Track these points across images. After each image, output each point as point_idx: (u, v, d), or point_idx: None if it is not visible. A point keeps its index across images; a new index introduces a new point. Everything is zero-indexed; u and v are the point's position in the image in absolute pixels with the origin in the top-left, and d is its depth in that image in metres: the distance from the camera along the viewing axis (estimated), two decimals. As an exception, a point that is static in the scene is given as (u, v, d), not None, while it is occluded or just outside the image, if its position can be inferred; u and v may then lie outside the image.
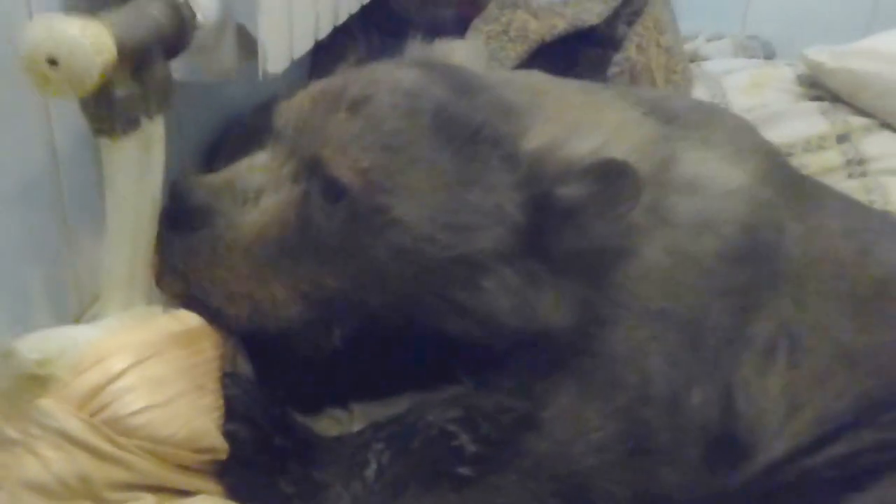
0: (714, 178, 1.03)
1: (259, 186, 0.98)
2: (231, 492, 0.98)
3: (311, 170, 0.96)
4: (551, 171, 0.94)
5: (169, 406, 0.94)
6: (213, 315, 1.00)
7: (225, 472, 0.98)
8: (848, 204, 1.20)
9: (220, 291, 1.00)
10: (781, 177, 1.12)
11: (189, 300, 1.02)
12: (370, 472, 0.97)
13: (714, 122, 1.15)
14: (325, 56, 1.87)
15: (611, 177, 0.92)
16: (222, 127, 1.54)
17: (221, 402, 1.01)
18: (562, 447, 0.96)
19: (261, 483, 0.99)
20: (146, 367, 0.94)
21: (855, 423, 1.00)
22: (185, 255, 1.00)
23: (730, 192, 1.03)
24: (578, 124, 0.99)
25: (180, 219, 0.99)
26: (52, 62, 0.80)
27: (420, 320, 0.97)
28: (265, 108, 1.55)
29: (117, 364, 0.92)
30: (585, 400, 0.97)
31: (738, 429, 0.99)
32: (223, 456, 0.99)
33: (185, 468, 0.96)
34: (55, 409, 0.89)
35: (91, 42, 0.82)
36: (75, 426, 0.88)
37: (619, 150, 0.95)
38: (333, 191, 0.93)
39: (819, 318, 1.02)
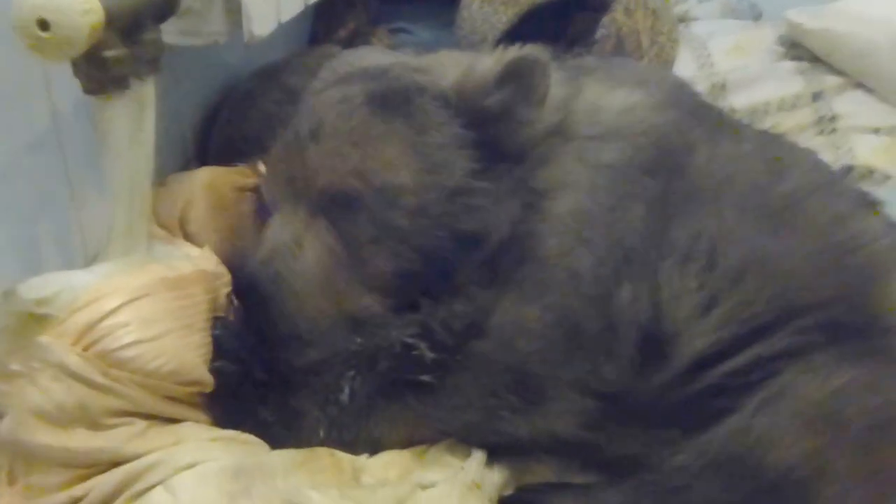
0: (615, 98, 1.19)
1: (294, 239, 1.12)
2: (217, 421, 1.10)
3: (321, 202, 1.11)
4: (474, 92, 1.12)
5: (157, 341, 1.02)
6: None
7: (211, 403, 1.10)
8: (766, 136, 1.31)
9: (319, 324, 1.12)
10: (691, 105, 1.25)
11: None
12: (344, 396, 1.12)
13: (623, 65, 1.32)
14: (324, 22, 1.94)
15: (523, 70, 1.10)
16: (220, 91, 1.59)
17: (209, 341, 1.10)
18: (507, 344, 1.11)
19: (244, 412, 1.11)
20: (137, 306, 1.02)
21: (772, 327, 1.09)
22: (277, 320, 1.11)
23: (630, 108, 1.18)
24: (476, 60, 1.16)
25: (255, 299, 1.11)
26: (44, 25, 0.86)
27: (443, 263, 1.12)
28: (263, 73, 1.62)
29: (110, 303, 1.00)
30: (523, 301, 1.11)
31: (663, 322, 1.11)
32: (208, 389, 1.08)
33: (173, 399, 1.05)
34: (54, 344, 0.97)
35: (80, 4, 0.87)
36: (72, 360, 0.97)
37: None
38: (347, 202, 1.10)
39: (734, 226, 1.12)
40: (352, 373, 1.12)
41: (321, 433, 1.11)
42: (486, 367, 1.11)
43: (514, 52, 1.11)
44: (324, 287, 1.11)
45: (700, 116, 1.22)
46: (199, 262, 1.18)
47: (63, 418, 0.97)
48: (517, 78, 1.10)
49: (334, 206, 1.10)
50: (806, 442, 1.01)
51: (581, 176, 1.13)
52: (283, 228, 1.12)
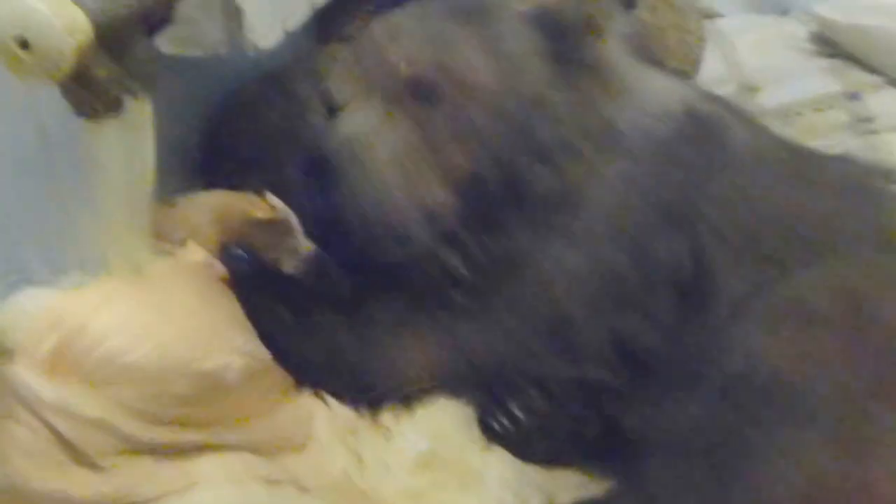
0: (669, 81, 1.22)
1: (371, 128, 1.13)
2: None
3: (398, 93, 1.12)
4: (551, 9, 1.14)
5: (141, 345, 0.95)
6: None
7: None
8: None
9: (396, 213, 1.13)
10: (722, 101, 1.27)
11: None
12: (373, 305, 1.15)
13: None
14: (328, 22, 1.86)
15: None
16: (222, 101, 1.49)
17: (204, 324, 1.02)
18: (549, 283, 1.12)
19: (261, 307, 1.13)
20: (106, 312, 0.95)
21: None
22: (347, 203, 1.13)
23: (680, 96, 1.19)
24: None
25: (328, 179, 1.14)
26: (23, 44, 0.79)
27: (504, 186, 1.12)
28: (266, 82, 1.55)
29: (75, 318, 0.94)
30: (566, 248, 1.11)
31: (705, 266, 1.10)
32: (227, 375, 1.00)
33: (186, 406, 0.97)
34: (23, 375, 0.91)
35: (63, 21, 0.81)
36: (49, 391, 0.90)
37: None
38: (426, 95, 1.11)
39: (764, 190, 1.14)
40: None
41: (342, 342, 1.13)
42: (523, 297, 1.12)
43: None
44: (402, 176, 1.12)
45: (732, 109, 1.24)
46: (181, 255, 1.12)
47: (56, 459, 0.91)
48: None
49: (413, 98, 1.12)
50: (781, 342, 1.00)
51: (634, 144, 1.13)
52: (356, 119, 1.14)
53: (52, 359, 0.92)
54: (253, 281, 1.14)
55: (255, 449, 1.04)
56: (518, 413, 1.14)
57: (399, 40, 1.14)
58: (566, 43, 1.14)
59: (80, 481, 0.91)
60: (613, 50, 1.18)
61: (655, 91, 1.19)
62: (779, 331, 1.01)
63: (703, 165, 1.14)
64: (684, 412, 1.04)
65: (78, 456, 0.92)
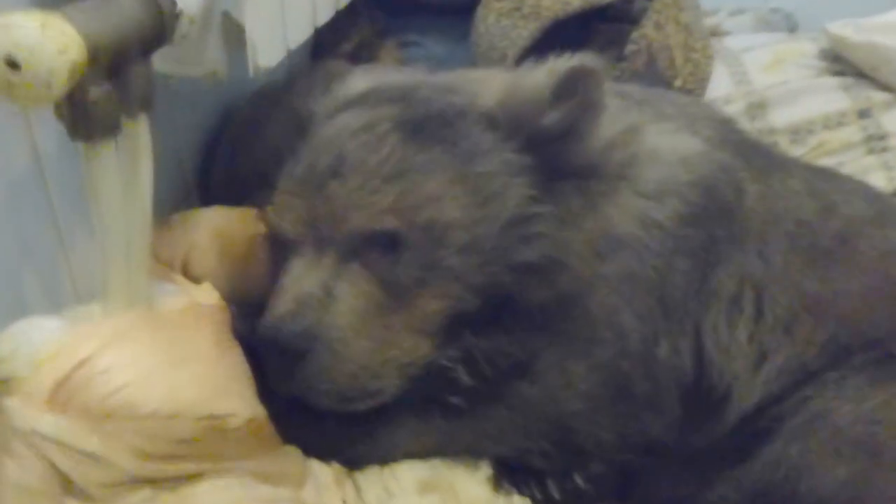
0: (673, 147, 1.11)
1: (322, 287, 1.01)
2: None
3: (353, 245, 1.01)
4: (526, 111, 1.03)
5: (147, 381, 0.91)
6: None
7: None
8: (813, 170, 1.26)
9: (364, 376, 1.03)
10: (737, 142, 1.19)
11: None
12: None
13: (668, 98, 1.25)
14: (326, 36, 1.82)
15: (580, 83, 1.01)
16: (220, 117, 1.50)
17: (216, 369, 0.99)
18: (551, 394, 1.06)
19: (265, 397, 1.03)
20: (115, 348, 0.91)
21: (825, 370, 1.04)
22: (311, 379, 1.02)
23: (686, 158, 1.10)
24: (519, 76, 1.07)
25: (288, 357, 1.01)
26: (13, 65, 0.75)
27: (494, 300, 1.04)
28: (265, 97, 1.52)
29: (80, 351, 0.90)
30: (570, 356, 1.05)
31: (710, 377, 1.06)
32: (230, 421, 0.96)
33: (186, 443, 0.93)
34: (22, 407, 0.87)
35: (54, 40, 0.76)
36: (46, 423, 0.86)
37: None
38: (386, 244, 1.00)
39: (783, 270, 1.08)
40: None
41: (342, 434, 1.07)
42: (525, 409, 1.06)
43: (567, 62, 1.02)
44: (365, 338, 1.01)
45: (748, 156, 1.16)
46: (196, 296, 1.08)
47: (49, 491, 0.87)
48: (574, 92, 1.01)
49: (370, 249, 1.01)
50: (839, 469, 0.96)
51: (634, 239, 1.05)
52: (307, 277, 1.02)
53: (52, 390, 0.88)
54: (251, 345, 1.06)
55: (255, 476, 1.01)
56: (552, 489, 1.09)
57: (346, 179, 1.01)
58: (549, 152, 1.04)
59: (73, 514, 0.88)
60: (606, 131, 1.07)
61: (656, 166, 1.10)
62: (837, 458, 0.96)
63: (707, 247, 1.08)
64: (707, 496, 1.03)
65: (73, 488, 0.88)
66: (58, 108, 0.86)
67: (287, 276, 1.03)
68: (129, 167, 0.95)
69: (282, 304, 1.01)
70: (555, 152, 1.04)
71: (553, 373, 1.05)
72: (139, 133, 0.95)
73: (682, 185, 1.08)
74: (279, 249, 1.08)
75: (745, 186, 1.11)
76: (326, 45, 1.86)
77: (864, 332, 1.05)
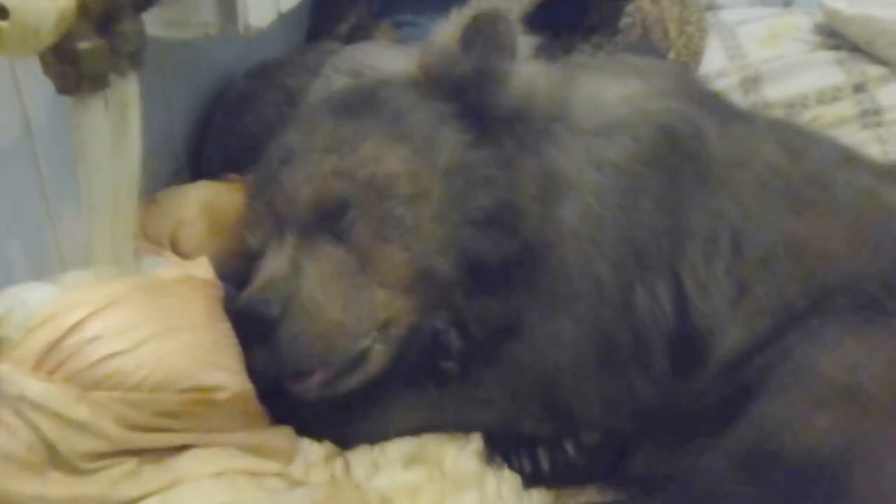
0: (612, 88, 1.14)
1: (290, 263, 1.02)
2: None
3: (310, 221, 1.03)
4: (441, 64, 1.08)
5: (138, 350, 0.90)
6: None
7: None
8: (775, 120, 1.27)
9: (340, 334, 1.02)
10: (692, 91, 1.21)
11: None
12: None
13: (617, 59, 1.31)
14: (322, 15, 1.82)
15: (485, 25, 1.05)
16: (214, 92, 1.49)
17: (205, 340, 0.97)
18: (538, 350, 1.06)
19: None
20: (106, 315, 0.90)
21: (807, 314, 1.02)
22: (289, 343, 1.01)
23: (629, 98, 1.12)
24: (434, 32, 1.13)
25: (264, 327, 1.00)
26: (2, 12, 0.73)
27: (470, 261, 1.05)
28: (259, 74, 1.51)
29: (72, 316, 0.88)
30: (554, 311, 1.06)
31: (692, 317, 1.04)
32: (217, 394, 0.95)
33: (171, 415, 0.92)
34: (10, 372, 0.85)
35: None
36: (35, 389, 0.85)
37: None
38: (337, 208, 1.03)
39: (757, 210, 1.07)
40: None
41: (334, 412, 1.07)
42: (514, 370, 1.07)
43: (470, 9, 1.06)
44: (335, 297, 1.01)
45: (705, 103, 1.18)
46: (190, 268, 1.07)
47: (35, 461, 0.85)
48: (481, 35, 1.06)
49: (325, 218, 1.03)
50: (823, 418, 0.93)
51: (586, 176, 1.07)
52: (274, 259, 1.03)
53: (42, 356, 0.87)
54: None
55: (242, 448, 1.00)
56: (542, 459, 1.09)
57: (293, 163, 1.05)
58: (469, 97, 1.07)
59: (58, 483, 0.86)
60: (529, 76, 1.09)
61: (594, 106, 1.11)
62: (820, 409, 0.93)
63: (672, 187, 1.08)
64: (696, 466, 0.99)
65: (58, 458, 0.86)
66: (46, 61, 0.85)
67: (258, 268, 1.06)
68: (117, 125, 0.93)
69: (253, 286, 1.03)
70: (478, 97, 1.07)
71: (539, 329, 1.06)
72: (128, 91, 0.93)
73: (629, 123, 1.09)
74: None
75: (705, 130, 1.12)
76: (322, 27, 1.86)
77: (845, 271, 1.04)
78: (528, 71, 1.09)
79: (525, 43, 1.09)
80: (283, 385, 1.03)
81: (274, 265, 1.03)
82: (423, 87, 1.09)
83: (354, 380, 1.04)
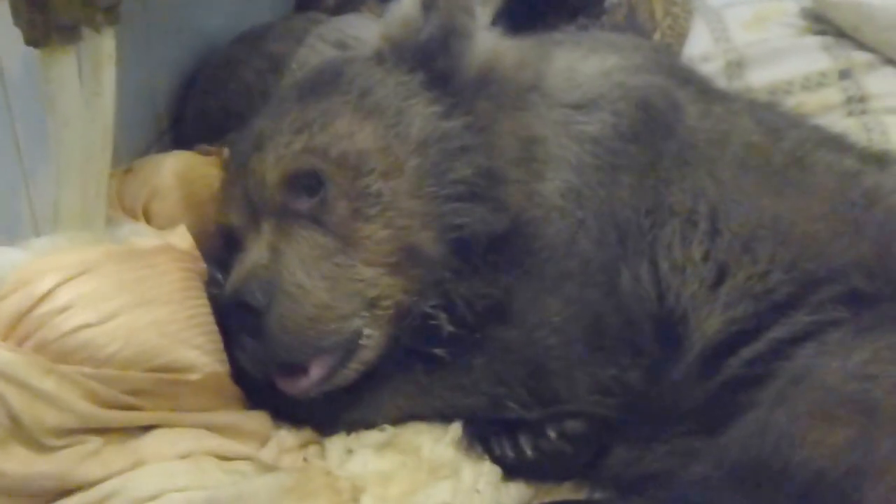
0: (589, 63, 1.14)
1: (269, 248, 1.02)
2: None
3: (283, 203, 1.03)
4: (404, 35, 1.08)
5: (109, 322, 0.87)
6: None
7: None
8: (754, 101, 1.27)
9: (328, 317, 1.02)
10: (670, 66, 1.21)
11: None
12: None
13: (593, 36, 1.32)
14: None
15: None
16: (197, 59, 1.47)
17: (180, 315, 0.95)
18: (527, 332, 1.05)
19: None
20: (78, 284, 0.87)
21: (790, 304, 1.00)
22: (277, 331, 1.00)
23: (606, 72, 1.12)
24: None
25: (251, 316, 0.99)
26: None
27: (456, 239, 1.04)
28: (244, 40, 1.49)
29: (43, 284, 0.85)
30: (544, 291, 1.05)
31: (667, 300, 1.03)
32: (189, 375, 0.93)
33: (140, 393, 0.90)
34: (-25, 341, 0.81)
35: None
36: (2, 359, 0.81)
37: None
38: (310, 185, 1.02)
39: (737, 188, 1.06)
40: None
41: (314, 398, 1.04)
42: (502, 353, 1.05)
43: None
44: (319, 278, 1.00)
45: (684, 79, 1.18)
46: (169, 238, 1.03)
47: None
48: (441, 1, 1.06)
49: (299, 199, 1.02)
50: (835, 435, 0.87)
51: (567, 151, 1.06)
52: (254, 248, 1.03)
53: (10, 325, 0.84)
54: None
55: (211, 429, 0.97)
56: (525, 446, 1.06)
57: (263, 148, 1.04)
58: (437, 62, 1.06)
59: (19, 459, 0.83)
60: (494, 40, 1.10)
61: (577, 80, 1.11)
62: (830, 423, 0.88)
63: (651, 164, 1.07)
64: (688, 472, 0.95)
65: (22, 431, 0.83)
66: (15, 9, 0.81)
67: (239, 259, 1.04)
68: (89, 82, 0.90)
69: (236, 277, 1.03)
70: (445, 60, 1.07)
71: (528, 311, 1.05)
72: (103, 47, 0.90)
73: (609, 98, 1.09)
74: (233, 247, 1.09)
75: (684, 105, 1.11)
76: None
77: (826, 257, 1.02)
78: (492, 35, 1.10)
79: (483, 13, 1.10)
80: (279, 386, 1.03)
81: (253, 255, 1.02)
82: (389, 61, 1.08)
83: (352, 370, 1.03)
